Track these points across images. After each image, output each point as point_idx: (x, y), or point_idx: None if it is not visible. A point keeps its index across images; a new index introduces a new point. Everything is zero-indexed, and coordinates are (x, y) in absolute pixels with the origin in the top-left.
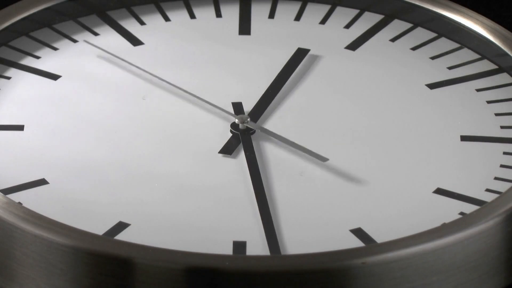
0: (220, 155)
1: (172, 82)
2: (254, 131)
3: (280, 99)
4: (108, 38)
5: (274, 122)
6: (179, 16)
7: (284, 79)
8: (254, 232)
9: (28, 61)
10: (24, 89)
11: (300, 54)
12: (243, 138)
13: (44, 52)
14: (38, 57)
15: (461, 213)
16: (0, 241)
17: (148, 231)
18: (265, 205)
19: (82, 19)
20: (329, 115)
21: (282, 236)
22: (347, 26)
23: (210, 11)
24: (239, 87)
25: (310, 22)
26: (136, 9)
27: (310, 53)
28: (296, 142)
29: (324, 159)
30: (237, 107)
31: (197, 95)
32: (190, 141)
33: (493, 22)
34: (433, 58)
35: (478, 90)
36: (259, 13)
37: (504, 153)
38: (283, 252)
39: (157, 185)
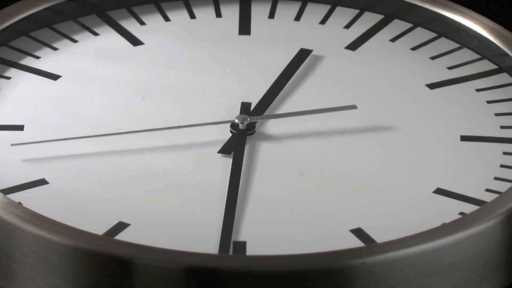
0: (220, 154)
1: (172, 82)
2: (254, 131)
3: (280, 99)
4: (108, 38)
5: (274, 122)
6: (179, 16)
7: (285, 80)
8: (254, 232)
9: (28, 61)
10: (24, 89)
11: (303, 54)
12: (239, 138)
13: (44, 52)
14: (38, 57)
15: (461, 213)
16: (0, 241)
17: (148, 231)
18: (233, 206)
19: (82, 19)
20: (329, 115)
21: (282, 236)
22: (347, 26)
23: (210, 11)
24: (239, 87)
25: (310, 22)
26: (136, 9)
27: None
28: (296, 142)
29: (353, 107)
30: (245, 107)
31: (197, 94)
32: (190, 141)
33: (493, 22)
34: (433, 58)
35: (478, 90)
36: (259, 13)
37: (504, 153)
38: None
39: (157, 185)
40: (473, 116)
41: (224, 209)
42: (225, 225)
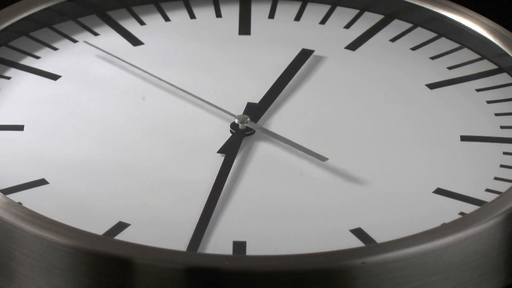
0: (219, 155)
1: (172, 82)
2: (254, 131)
3: (281, 99)
4: (108, 38)
5: (274, 122)
6: (179, 16)
7: (286, 80)
8: (254, 232)
9: (28, 61)
10: (24, 89)
11: (304, 54)
12: (236, 138)
13: (44, 52)
14: (38, 57)
15: (461, 213)
16: (0, 241)
17: (148, 231)
18: (212, 205)
19: (82, 19)
20: (329, 115)
21: (282, 236)
22: (347, 26)
23: (210, 11)
24: (238, 88)
25: (310, 22)
26: (136, 9)
27: None
28: (296, 142)
29: (323, 159)
30: (249, 107)
31: (197, 95)
32: (190, 141)
33: (493, 22)
34: (433, 58)
35: (478, 90)
36: (259, 13)
37: (504, 153)
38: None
39: (157, 185)
40: (473, 116)
41: (223, 209)
42: (199, 223)
